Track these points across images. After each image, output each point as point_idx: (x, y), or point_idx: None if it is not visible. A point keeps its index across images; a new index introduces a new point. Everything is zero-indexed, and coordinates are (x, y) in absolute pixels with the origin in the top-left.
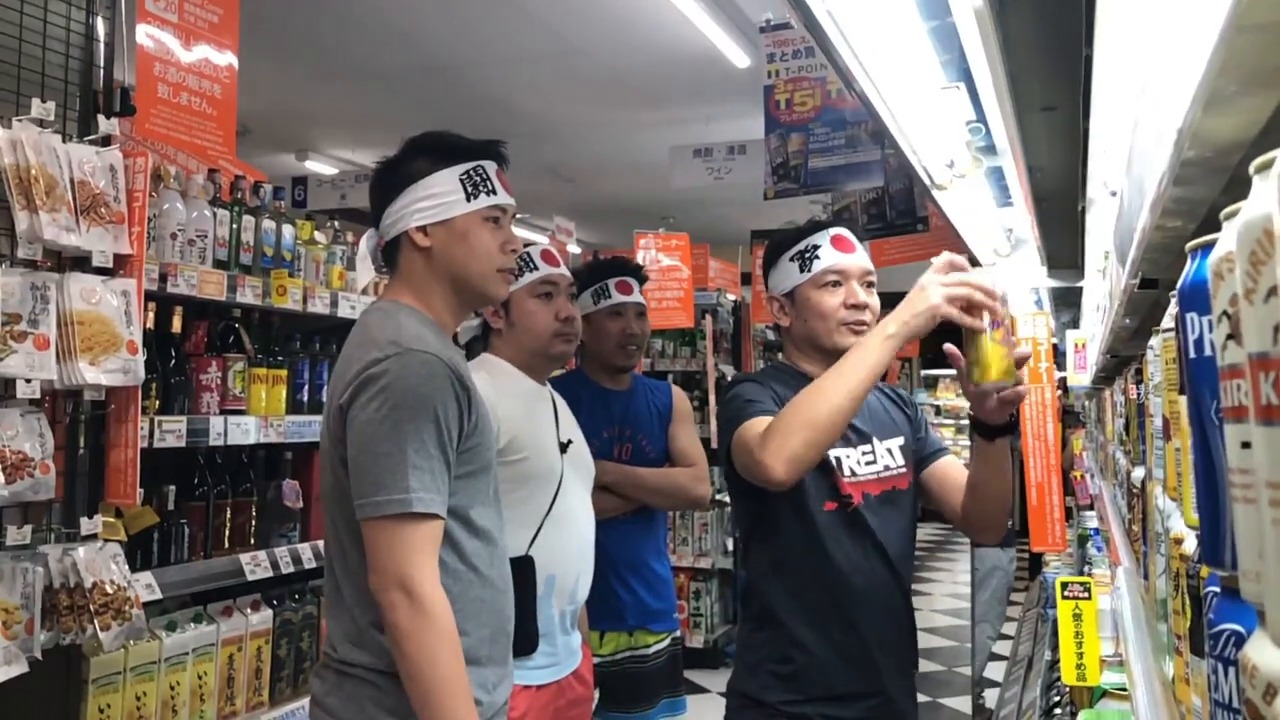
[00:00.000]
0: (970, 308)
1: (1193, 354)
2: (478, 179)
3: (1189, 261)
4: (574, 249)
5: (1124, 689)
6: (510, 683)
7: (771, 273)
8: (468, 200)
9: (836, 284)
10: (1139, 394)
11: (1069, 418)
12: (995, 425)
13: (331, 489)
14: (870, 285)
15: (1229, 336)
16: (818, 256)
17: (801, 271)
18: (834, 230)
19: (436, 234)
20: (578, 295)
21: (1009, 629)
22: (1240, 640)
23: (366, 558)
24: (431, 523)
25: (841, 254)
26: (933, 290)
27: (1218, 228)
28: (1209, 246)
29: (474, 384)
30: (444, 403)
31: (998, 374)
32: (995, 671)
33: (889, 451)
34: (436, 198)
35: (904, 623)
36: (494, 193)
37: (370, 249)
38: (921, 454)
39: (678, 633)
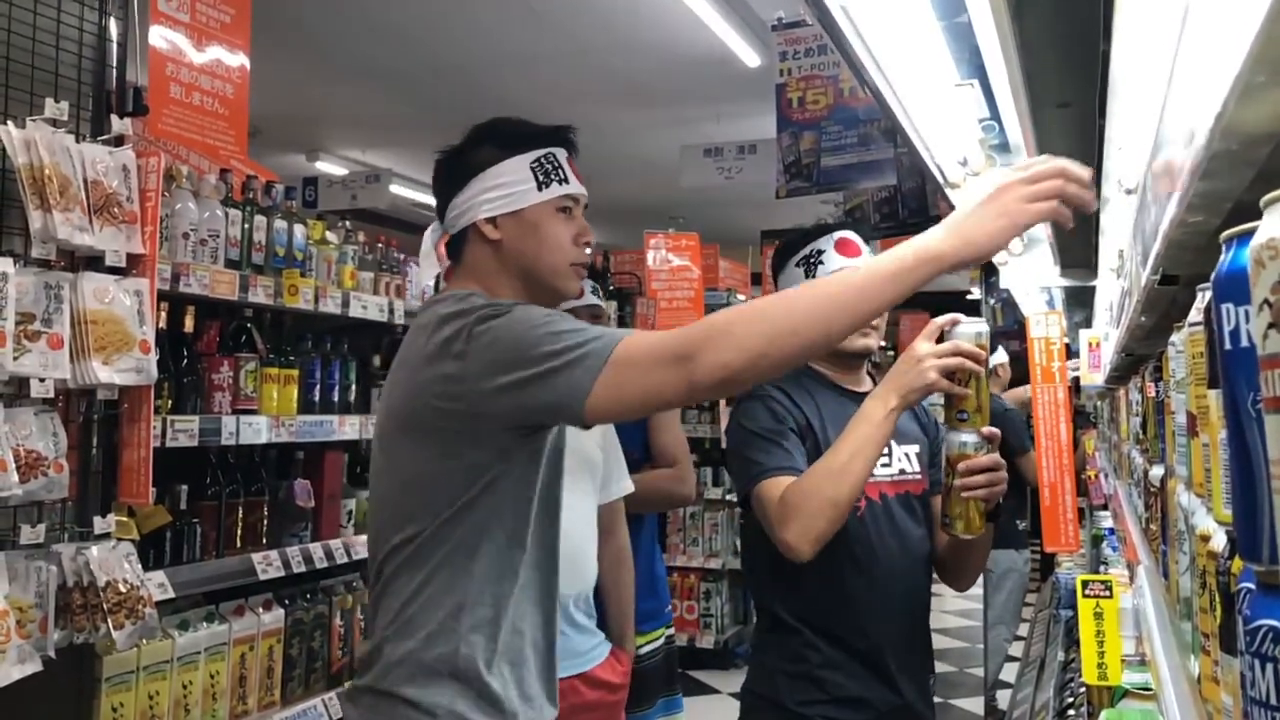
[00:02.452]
0: (955, 374)
1: (1228, 345)
2: (549, 167)
3: (1224, 251)
4: None
5: (1145, 688)
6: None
7: (780, 278)
8: (539, 189)
9: None
10: (1158, 391)
11: (1080, 418)
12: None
13: (420, 461)
14: None
15: (1271, 325)
16: (822, 262)
17: (807, 276)
18: (838, 234)
19: (506, 225)
20: None
21: (1021, 629)
22: (1279, 636)
23: (634, 385)
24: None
25: (846, 259)
26: (928, 366)
27: (1240, 223)
28: (1245, 236)
29: None
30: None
31: (976, 529)
32: (1007, 673)
33: (906, 456)
34: (506, 187)
35: (918, 627)
36: (566, 181)
37: (434, 243)
38: (933, 478)
39: (671, 631)
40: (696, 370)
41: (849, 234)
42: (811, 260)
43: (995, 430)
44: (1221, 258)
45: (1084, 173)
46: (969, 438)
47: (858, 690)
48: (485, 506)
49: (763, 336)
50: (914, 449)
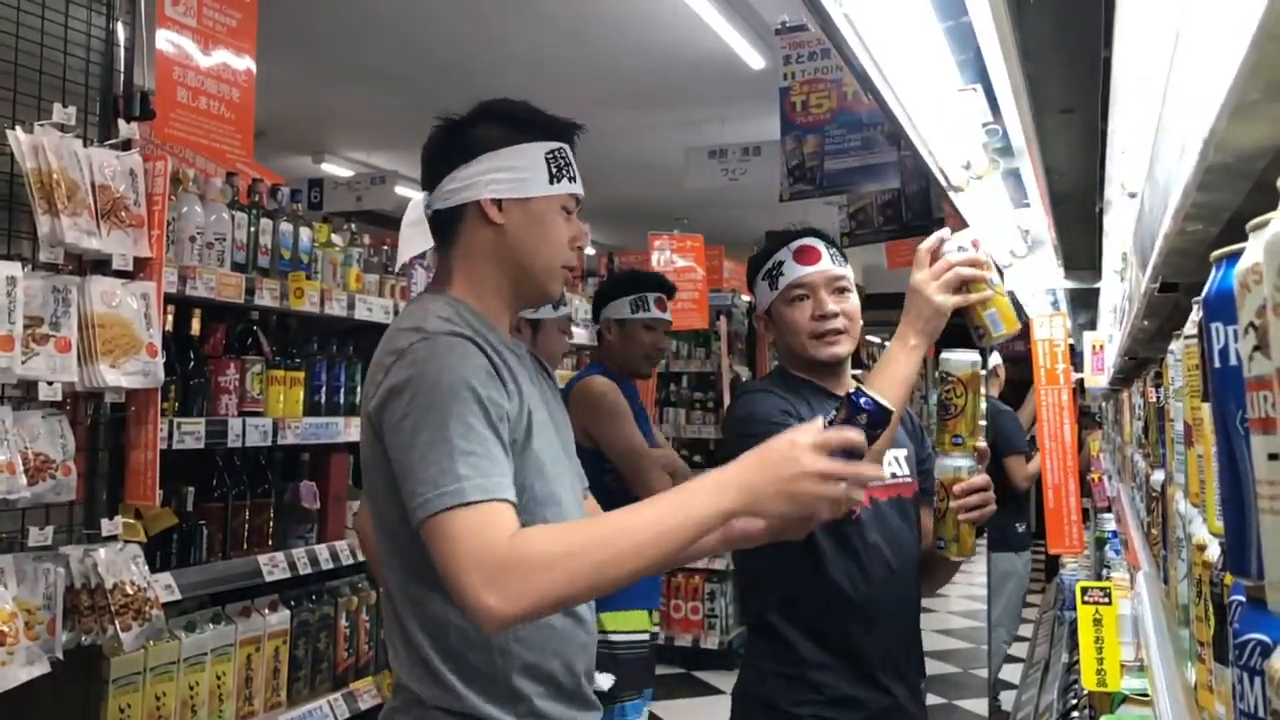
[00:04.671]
0: (965, 284)
1: (1217, 364)
2: (562, 162)
3: (1213, 271)
4: (589, 250)
5: (1144, 694)
6: None
7: (754, 293)
8: (550, 182)
9: (803, 297)
10: (1158, 397)
11: (1085, 419)
12: None
13: (382, 498)
14: (841, 290)
15: (1256, 348)
16: (782, 272)
17: (771, 289)
18: (797, 242)
19: (512, 211)
20: (611, 300)
21: (1025, 630)
22: (1266, 650)
23: (439, 571)
24: (496, 506)
25: (804, 266)
26: (933, 290)
27: (1240, 232)
28: (1234, 256)
29: (522, 377)
30: (482, 382)
31: (969, 549)
32: (1011, 674)
33: (896, 460)
34: (519, 171)
35: (908, 629)
36: (575, 180)
37: (423, 213)
38: (923, 485)
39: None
40: (484, 595)
41: (808, 240)
42: (774, 272)
43: (985, 448)
44: (1210, 277)
45: (872, 473)
46: (963, 461)
47: (849, 690)
48: None
49: (564, 580)
50: (903, 453)
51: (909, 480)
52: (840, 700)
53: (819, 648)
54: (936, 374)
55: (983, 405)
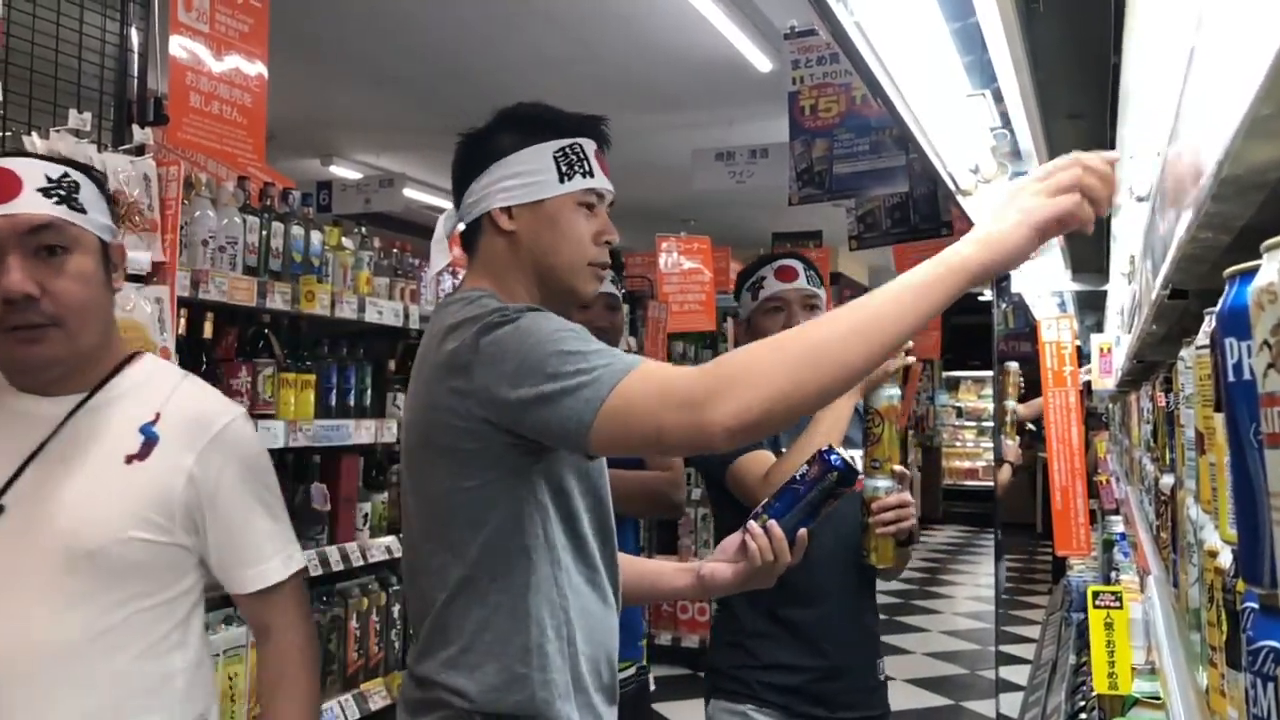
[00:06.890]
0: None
1: (1231, 377)
2: (573, 158)
3: (1228, 287)
4: None
5: (1155, 698)
6: None
7: (739, 302)
8: (560, 181)
9: (778, 309)
10: (1168, 402)
11: (1092, 420)
12: None
13: (449, 486)
14: (812, 307)
15: (1270, 365)
16: (763, 286)
17: (753, 300)
18: (779, 262)
19: (522, 217)
20: None
21: (1031, 632)
22: (1278, 657)
23: (643, 440)
24: (652, 363)
25: (782, 283)
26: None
27: (1251, 240)
28: (1248, 274)
29: None
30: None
31: (888, 560)
32: (1018, 675)
33: (853, 459)
34: (525, 176)
35: (851, 604)
36: (590, 174)
37: (447, 231)
38: None
39: (644, 664)
40: (709, 416)
41: (789, 261)
42: (756, 286)
43: (904, 470)
44: (1224, 294)
45: (1101, 164)
46: (881, 483)
47: (783, 658)
48: (519, 534)
49: (782, 375)
50: (857, 454)
51: (860, 476)
52: (774, 666)
53: (761, 619)
54: (859, 406)
55: (899, 432)
